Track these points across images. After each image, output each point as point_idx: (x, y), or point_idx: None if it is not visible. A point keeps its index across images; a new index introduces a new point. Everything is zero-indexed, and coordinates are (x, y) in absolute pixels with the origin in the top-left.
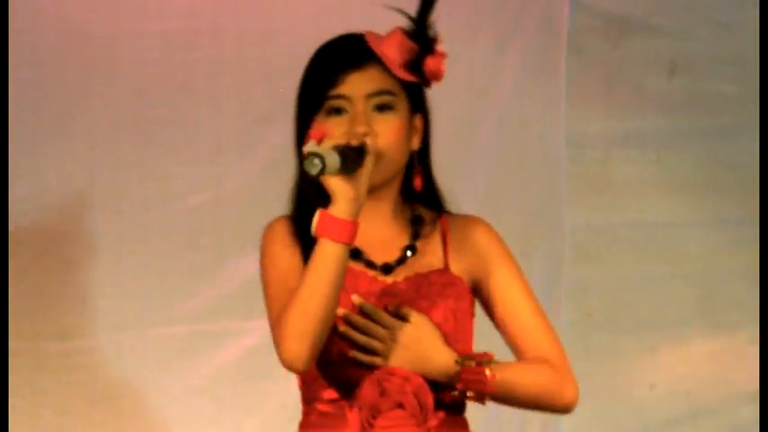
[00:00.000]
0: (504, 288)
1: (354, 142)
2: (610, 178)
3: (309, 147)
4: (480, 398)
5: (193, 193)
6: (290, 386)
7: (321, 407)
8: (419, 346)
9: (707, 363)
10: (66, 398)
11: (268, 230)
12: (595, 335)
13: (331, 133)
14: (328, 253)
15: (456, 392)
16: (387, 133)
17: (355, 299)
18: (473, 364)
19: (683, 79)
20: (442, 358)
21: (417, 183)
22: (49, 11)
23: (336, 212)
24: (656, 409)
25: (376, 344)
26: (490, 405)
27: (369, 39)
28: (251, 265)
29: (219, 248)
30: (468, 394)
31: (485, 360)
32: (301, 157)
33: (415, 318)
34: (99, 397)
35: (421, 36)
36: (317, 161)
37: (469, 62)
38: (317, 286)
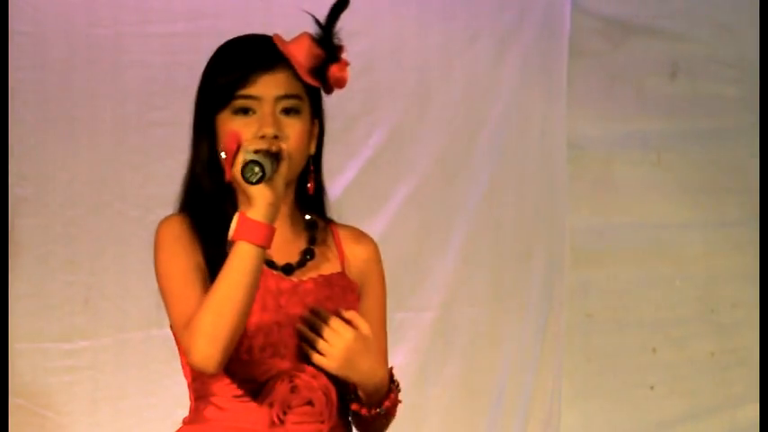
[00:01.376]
0: (370, 311)
1: (274, 148)
2: (611, 180)
3: (247, 153)
4: (385, 417)
5: None
6: None
7: (219, 402)
8: (365, 355)
9: (707, 363)
10: (68, 399)
11: (165, 227)
12: (596, 335)
13: (247, 137)
14: (246, 256)
15: (379, 410)
16: (294, 137)
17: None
18: (398, 387)
19: (683, 81)
20: (381, 373)
21: (311, 187)
22: (53, 13)
23: (256, 216)
24: (656, 409)
25: (326, 347)
26: (491, 405)
27: (277, 41)
28: None
29: None
30: (380, 411)
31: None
32: (205, 153)
33: (364, 327)
34: (101, 398)
35: (328, 43)
36: (257, 169)
37: (470, 64)
38: (233, 290)
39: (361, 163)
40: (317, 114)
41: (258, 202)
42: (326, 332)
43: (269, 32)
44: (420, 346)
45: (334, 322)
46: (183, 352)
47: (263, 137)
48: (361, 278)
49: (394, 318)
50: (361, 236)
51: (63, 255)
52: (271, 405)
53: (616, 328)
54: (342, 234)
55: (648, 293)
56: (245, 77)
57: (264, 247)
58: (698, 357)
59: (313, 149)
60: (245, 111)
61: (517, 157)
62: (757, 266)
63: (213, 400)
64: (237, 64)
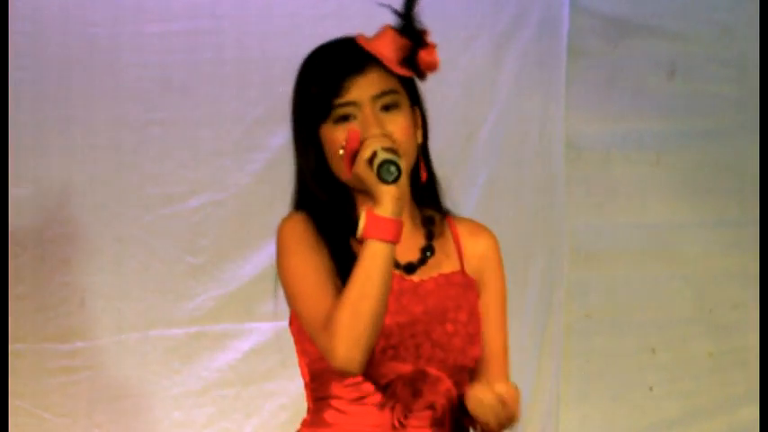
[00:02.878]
0: (489, 306)
1: (395, 145)
2: (609, 179)
3: (383, 153)
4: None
5: (194, 194)
6: (290, 387)
7: (339, 404)
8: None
9: (706, 364)
10: (66, 399)
11: (289, 228)
12: (595, 336)
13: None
14: (378, 253)
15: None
16: (398, 132)
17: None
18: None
19: (682, 81)
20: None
21: (423, 175)
22: (52, 13)
23: (383, 212)
24: (655, 409)
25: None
26: None
27: (362, 41)
28: (251, 267)
29: (220, 250)
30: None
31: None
32: (314, 162)
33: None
34: (100, 398)
35: (411, 31)
36: (393, 168)
37: (469, 63)
38: (368, 287)
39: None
40: (416, 102)
41: (385, 199)
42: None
43: (268, 31)
44: None
45: (509, 395)
46: (323, 352)
47: (379, 135)
48: (479, 272)
49: None
50: (478, 229)
51: (60, 255)
52: (392, 408)
53: (615, 329)
54: (460, 228)
55: (647, 294)
56: (339, 85)
57: (395, 242)
58: (697, 358)
59: (420, 138)
60: (345, 118)
61: (515, 158)
62: (756, 267)
63: (333, 402)
64: (328, 73)
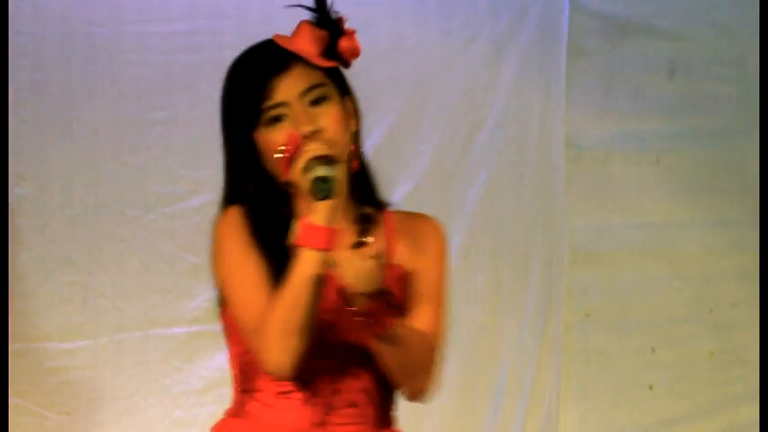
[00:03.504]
0: (418, 292)
1: (331, 152)
2: (609, 179)
3: (317, 171)
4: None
5: (195, 194)
6: None
7: (263, 398)
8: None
9: (706, 363)
10: (67, 398)
11: (225, 224)
12: (595, 335)
13: (278, 140)
14: (311, 262)
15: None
16: (331, 125)
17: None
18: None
19: (682, 81)
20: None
21: (355, 164)
22: (52, 13)
23: (318, 221)
24: (655, 408)
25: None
26: (489, 404)
27: (279, 40)
28: None
29: None
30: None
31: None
32: (237, 169)
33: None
34: (100, 397)
35: (326, 21)
36: (323, 186)
37: (469, 63)
38: (300, 297)
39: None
40: (345, 92)
41: (319, 207)
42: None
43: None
44: None
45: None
46: (254, 354)
47: (305, 136)
48: (410, 258)
49: None
50: (416, 218)
51: (61, 254)
52: (314, 405)
53: (615, 328)
54: (396, 220)
55: (647, 293)
56: (263, 88)
57: (328, 250)
58: (697, 357)
59: (353, 127)
60: (277, 119)
61: (515, 158)
62: (756, 266)
63: (257, 395)
64: (251, 77)
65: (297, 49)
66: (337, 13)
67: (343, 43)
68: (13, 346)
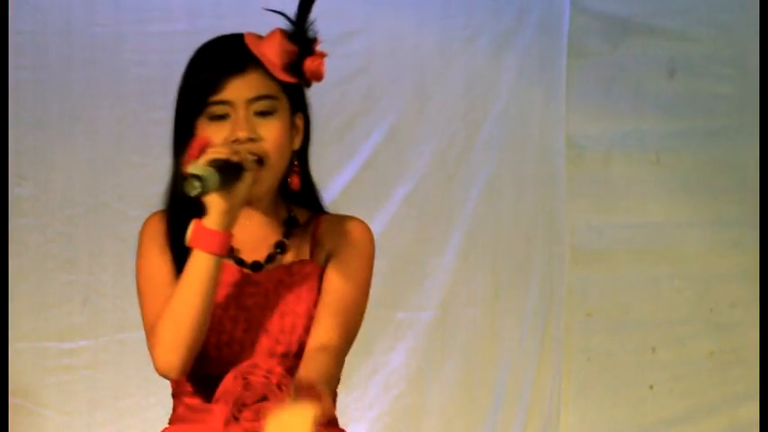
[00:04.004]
0: (324, 294)
1: (235, 158)
2: (609, 179)
3: (190, 168)
4: None
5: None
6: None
7: (188, 400)
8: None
9: (706, 362)
10: (68, 398)
11: (143, 228)
12: (595, 335)
13: (211, 142)
14: (201, 264)
15: None
16: (270, 138)
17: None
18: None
19: (682, 80)
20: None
21: (294, 182)
22: (53, 12)
23: (209, 224)
24: (655, 408)
25: None
26: (489, 404)
27: (248, 41)
28: None
29: None
30: None
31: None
32: (177, 160)
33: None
34: (101, 397)
35: (301, 37)
36: (196, 183)
37: (469, 63)
38: (189, 298)
39: (359, 163)
40: (299, 108)
41: (212, 211)
42: None
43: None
44: (419, 346)
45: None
46: (150, 354)
47: (235, 140)
48: (329, 251)
49: (394, 318)
50: (344, 219)
51: (62, 254)
52: (225, 403)
53: (615, 328)
54: (324, 223)
55: (647, 293)
56: (215, 83)
57: (219, 254)
58: (697, 357)
59: (297, 144)
60: (220, 116)
61: (516, 157)
62: (756, 265)
63: (184, 398)
64: (207, 69)
65: (261, 55)
66: (315, 32)
67: (309, 63)
68: (13, 346)
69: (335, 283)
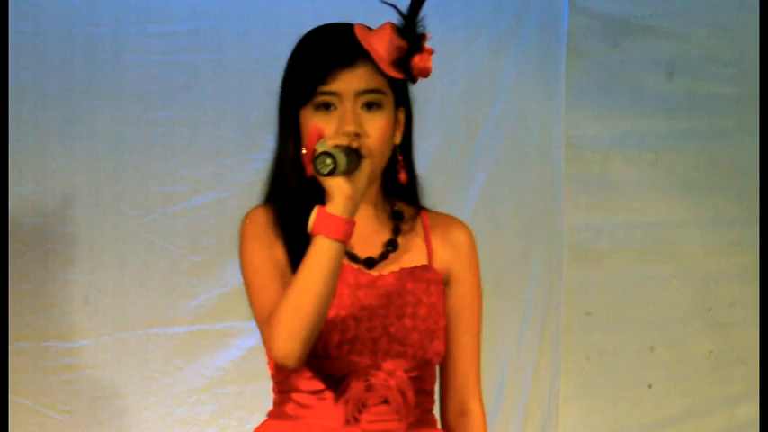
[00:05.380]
0: (460, 302)
1: (355, 145)
2: (609, 179)
3: (320, 145)
4: None
5: (195, 194)
6: None
7: (299, 398)
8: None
9: (705, 362)
10: (68, 397)
11: (248, 222)
12: (594, 334)
13: (328, 133)
14: (324, 250)
15: None
16: (375, 133)
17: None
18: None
19: (681, 80)
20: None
21: (402, 176)
22: (53, 12)
23: (334, 210)
24: (654, 407)
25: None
26: (489, 403)
27: (358, 33)
28: None
29: (221, 249)
30: None
31: None
32: (290, 147)
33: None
34: (101, 396)
35: (410, 33)
36: (329, 161)
37: (469, 63)
38: (311, 284)
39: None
40: (402, 103)
41: (336, 197)
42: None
43: (270, 32)
44: None
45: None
46: (265, 345)
47: (344, 134)
48: (449, 267)
49: None
50: (452, 222)
51: (62, 254)
52: (346, 403)
53: (614, 327)
54: (432, 222)
55: (647, 292)
56: (325, 73)
57: (342, 241)
58: (696, 356)
59: (398, 139)
60: (326, 106)
61: (515, 157)
62: (756, 265)
63: (294, 395)
64: (317, 59)
65: (371, 49)
66: (424, 28)
67: (418, 60)
68: (13, 346)
69: (475, 307)
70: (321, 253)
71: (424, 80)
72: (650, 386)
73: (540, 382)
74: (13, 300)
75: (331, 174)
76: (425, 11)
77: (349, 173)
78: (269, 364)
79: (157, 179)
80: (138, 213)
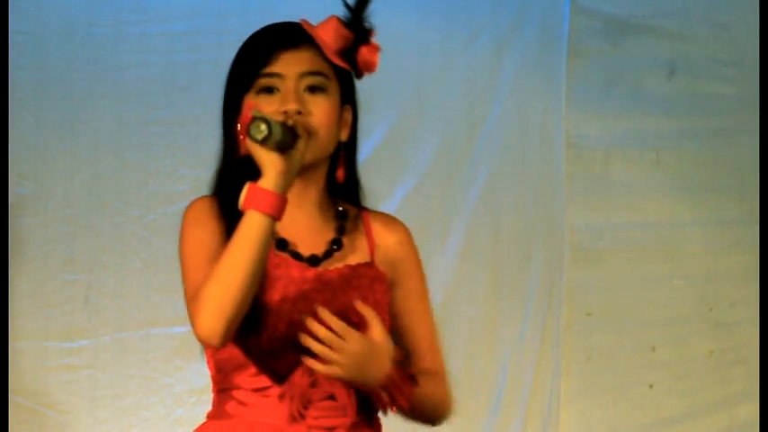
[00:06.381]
0: (410, 298)
1: (290, 122)
2: (609, 179)
3: (255, 112)
4: (393, 406)
5: (196, 193)
6: None
7: (240, 395)
8: (376, 361)
9: (706, 362)
10: (69, 397)
11: (189, 208)
12: (595, 334)
13: (264, 111)
14: (254, 225)
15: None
16: (319, 114)
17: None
18: (406, 373)
19: (682, 80)
20: (382, 371)
21: (340, 174)
22: (53, 12)
23: (266, 184)
24: (655, 408)
25: (335, 356)
26: (489, 403)
27: (304, 24)
28: None
29: None
30: (385, 398)
31: (413, 376)
32: (227, 139)
33: (377, 328)
34: (101, 396)
35: (357, 25)
36: (263, 126)
37: (469, 63)
38: (240, 260)
39: (359, 162)
40: (348, 100)
41: (269, 171)
42: (331, 339)
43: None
44: None
45: (340, 328)
46: (191, 324)
47: (285, 112)
48: (393, 265)
49: None
50: (391, 221)
51: (63, 253)
52: (291, 399)
53: (615, 327)
54: (373, 222)
55: (647, 292)
56: (268, 55)
57: (273, 216)
58: (697, 356)
59: (344, 136)
60: (269, 90)
61: (516, 157)
62: (756, 265)
63: (235, 393)
64: (261, 44)
65: (316, 36)
66: (371, 24)
67: (364, 52)
68: (13, 345)
69: (423, 307)
70: (251, 227)
71: (424, 81)
72: (651, 386)
73: (540, 382)
74: (13, 300)
75: (265, 141)
76: (422, 10)
77: (284, 149)
78: (208, 363)
79: (158, 179)
80: (138, 213)
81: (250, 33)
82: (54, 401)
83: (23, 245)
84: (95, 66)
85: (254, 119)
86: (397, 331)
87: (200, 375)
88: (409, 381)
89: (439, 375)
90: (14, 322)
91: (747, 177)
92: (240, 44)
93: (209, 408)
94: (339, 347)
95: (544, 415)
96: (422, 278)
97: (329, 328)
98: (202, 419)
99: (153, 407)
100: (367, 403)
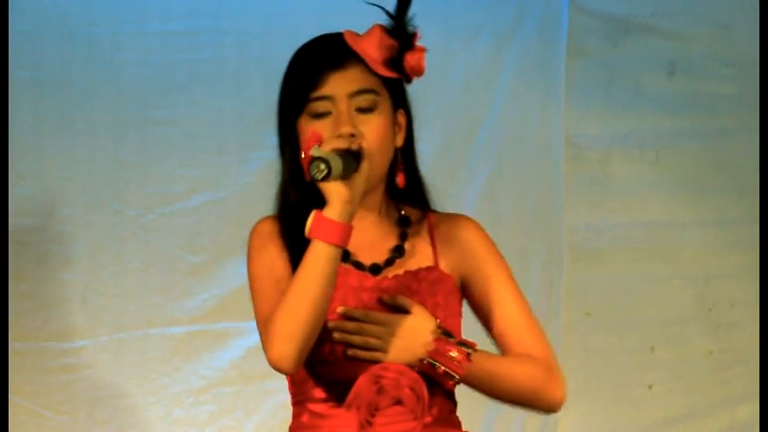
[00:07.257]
0: (495, 286)
1: (354, 147)
2: (609, 178)
3: (314, 151)
4: (449, 377)
5: (194, 193)
6: None
7: (314, 407)
8: (415, 336)
9: (705, 362)
10: (67, 397)
11: (253, 231)
12: (594, 334)
13: (325, 137)
14: (320, 255)
15: (426, 362)
16: (371, 134)
17: (340, 310)
18: (453, 340)
19: (682, 80)
20: (426, 339)
21: (400, 180)
22: (52, 12)
23: (331, 214)
24: (654, 408)
25: (373, 341)
26: (489, 403)
27: (348, 38)
28: None
29: (220, 249)
30: (439, 370)
31: (467, 344)
32: (289, 160)
33: (415, 308)
34: (100, 397)
35: (400, 32)
36: (323, 166)
37: (469, 62)
38: (308, 288)
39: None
40: (400, 105)
41: (333, 201)
42: (360, 327)
43: (268, 30)
44: None
45: (363, 315)
46: (264, 350)
47: (339, 136)
48: (463, 261)
49: None
50: (455, 219)
51: (61, 254)
52: (358, 408)
53: (614, 327)
54: (437, 223)
55: (647, 292)
56: (316, 78)
57: (339, 245)
58: (696, 356)
59: (400, 141)
60: (321, 114)
61: (515, 156)
62: (756, 265)
63: (309, 405)
64: (307, 66)
65: (361, 51)
66: (414, 27)
67: (410, 58)
68: (12, 346)
69: (508, 294)
70: (317, 257)
71: (423, 80)
72: (650, 386)
73: None
74: (12, 300)
75: (326, 179)
76: (422, 10)
77: (346, 177)
78: (287, 378)
79: (156, 179)
80: (136, 213)
81: (249, 33)
82: (52, 402)
83: (22, 245)
84: (93, 65)
85: (313, 159)
86: (486, 322)
87: (198, 376)
88: (458, 346)
89: (540, 361)
90: (13, 323)
91: (747, 177)
92: (240, 44)
93: (208, 408)
94: (370, 332)
95: (543, 415)
96: (499, 264)
97: (356, 319)
98: (200, 420)
99: (151, 407)
100: (440, 403)
